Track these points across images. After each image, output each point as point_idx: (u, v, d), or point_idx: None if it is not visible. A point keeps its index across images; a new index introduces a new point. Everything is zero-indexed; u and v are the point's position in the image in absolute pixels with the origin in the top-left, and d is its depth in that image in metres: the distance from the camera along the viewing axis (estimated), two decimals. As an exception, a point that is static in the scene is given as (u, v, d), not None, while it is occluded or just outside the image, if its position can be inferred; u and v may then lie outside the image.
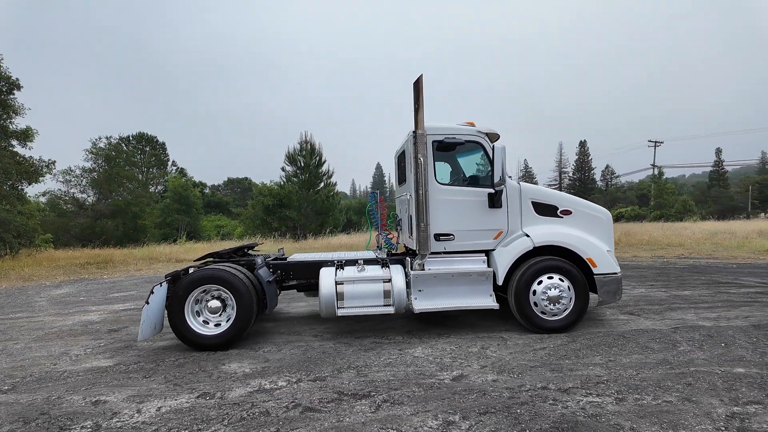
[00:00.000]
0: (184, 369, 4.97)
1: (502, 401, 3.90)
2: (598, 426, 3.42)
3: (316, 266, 6.49)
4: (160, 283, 5.73)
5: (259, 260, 6.36)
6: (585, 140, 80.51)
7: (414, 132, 5.91)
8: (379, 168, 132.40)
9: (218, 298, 5.79)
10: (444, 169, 6.60)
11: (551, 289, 5.96)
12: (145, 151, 52.05)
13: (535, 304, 5.99)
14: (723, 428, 3.36)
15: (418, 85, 5.90)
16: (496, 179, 5.89)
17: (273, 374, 4.72)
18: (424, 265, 6.10)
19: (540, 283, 6.00)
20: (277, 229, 30.57)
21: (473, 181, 6.53)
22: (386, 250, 7.13)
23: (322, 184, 33.93)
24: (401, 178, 7.43)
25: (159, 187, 49.11)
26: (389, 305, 5.98)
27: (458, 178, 6.68)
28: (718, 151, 72.64)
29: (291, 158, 33.72)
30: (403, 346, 5.64)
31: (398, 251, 7.26)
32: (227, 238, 35.17)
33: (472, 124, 6.40)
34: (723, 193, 65.33)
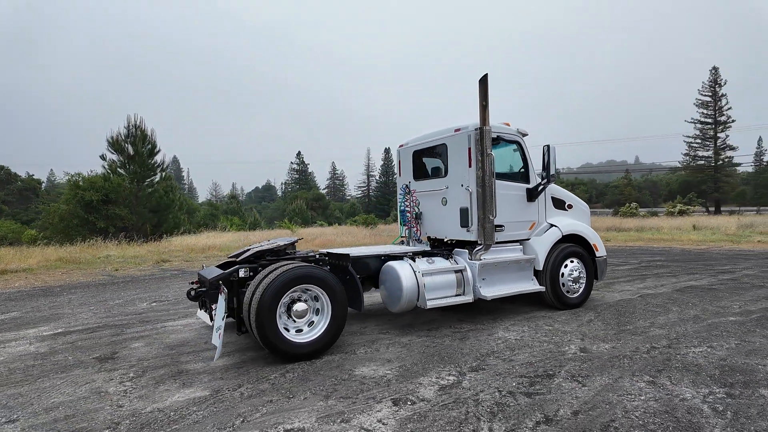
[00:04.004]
0: (316, 382, 4.25)
1: (651, 361, 4.63)
2: (746, 367, 4.41)
3: (366, 261, 6.19)
4: (219, 294, 4.79)
5: (309, 255, 5.74)
6: (389, 147, 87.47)
7: (480, 128, 6.19)
8: (176, 161, 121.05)
9: (300, 299, 5.05)
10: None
11: (574, 271, 7.02)
12: None
13: (563, 284, 6.95)
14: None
15: (484, 83, 6.19)
16: (551, 175, 6.62)
17: (426, 371, 4.47)
18: (480, 255, 6.42)
19: (566, 266, 6.99)
20: (103, 230, 25.36)
21: (503, 176, 7.10)
22: (425, 242, 7.18)
23: (157, 177, 29.54)
24: (421, 173, 7.56)
25: None
26: (461, 294, 6.13)
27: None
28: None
29: (115, 144, 28.31)
30: (486, 332, 5.89)
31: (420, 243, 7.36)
32: (7, 243, 27.21)
33: (508, 125, 7.00)
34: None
